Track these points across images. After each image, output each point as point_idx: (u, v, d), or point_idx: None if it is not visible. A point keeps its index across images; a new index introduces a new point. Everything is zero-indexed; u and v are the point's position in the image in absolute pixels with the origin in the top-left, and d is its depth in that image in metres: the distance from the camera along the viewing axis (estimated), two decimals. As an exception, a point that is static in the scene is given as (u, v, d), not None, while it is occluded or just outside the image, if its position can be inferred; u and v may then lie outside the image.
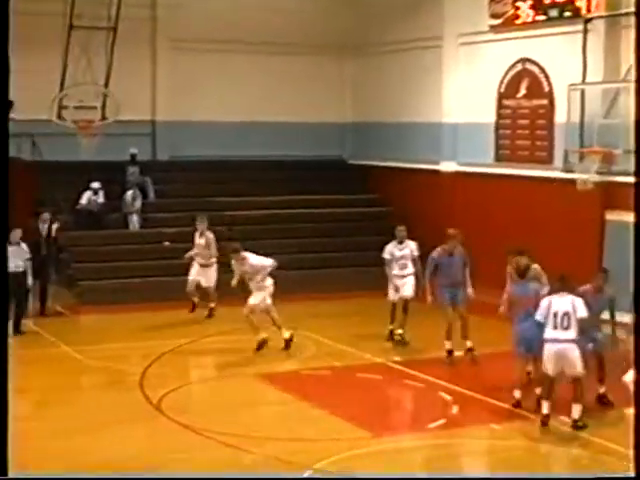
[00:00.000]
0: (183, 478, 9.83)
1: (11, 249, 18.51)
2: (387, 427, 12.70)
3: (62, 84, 24.69)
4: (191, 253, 20.14)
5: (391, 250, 17.40)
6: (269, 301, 16.75)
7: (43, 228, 20.74)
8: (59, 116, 24.43)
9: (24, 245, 18.97)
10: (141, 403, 13.74)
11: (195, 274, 19.96)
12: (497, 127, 23.21)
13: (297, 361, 16.07)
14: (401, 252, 17.31)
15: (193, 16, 26.12)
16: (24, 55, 24.94)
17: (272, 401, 14.01)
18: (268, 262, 16.88)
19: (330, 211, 25.59)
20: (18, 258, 18.60)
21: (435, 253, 16.30)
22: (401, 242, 17.41)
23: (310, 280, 21.09)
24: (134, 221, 24.19)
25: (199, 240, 20.13)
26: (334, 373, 15.56)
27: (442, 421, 12.93)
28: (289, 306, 18.58)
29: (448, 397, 13.95)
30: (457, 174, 24.31)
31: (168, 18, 26.49)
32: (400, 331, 17.17)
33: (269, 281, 16.86)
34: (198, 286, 19.95)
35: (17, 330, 18.45)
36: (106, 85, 25.05)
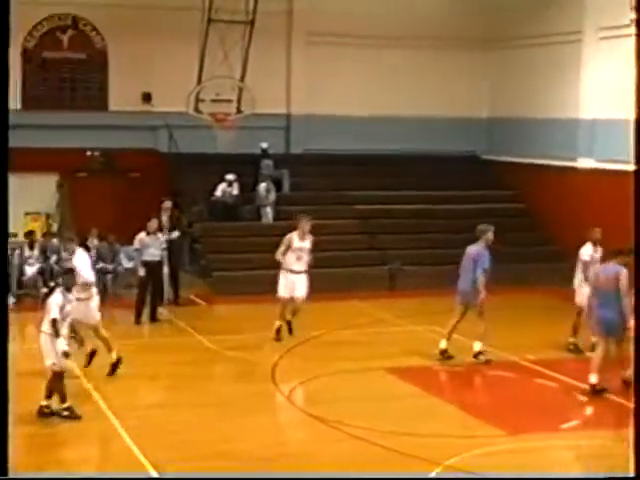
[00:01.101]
0: (187, 478, 9.78)
1: (148, 239, 18.90)
2: (519, 426, 12.45)
3: (199, 77, 25.07)
4: (284, 258, 17.35)
5: (591, 254, 16.28)
6: None
7: (164, 217, 21.01)
8: (196, 109, 24.83)
9: (160, 235, 19.32)
10: (272, 394, 13.82)
11: (288, 286, 17.29)
12: (638, 124, 22.50)
13: (428, 356, 15.94)
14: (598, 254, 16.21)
15: (329, 10, 26.16)
16: (163, 49, 25.51)
17: (402, 395, 13.89)
18: None
19: (463, 207, 25.30)
20: (154, 248, 18.97)
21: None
22: (595, 244, 16.32)
23: (443, 276, 20.89)
24: (267, 213, 24.37)
25: (300, 243, 17.20)
26: (466, 369, 15.40)
27: (575, 422, 12.68)
28: (424, 300, 18.48)
29: (582, 398, 13.67)
30: (595, 171, 23.76)
31: (304, 12, 26.61)
32: (572, 339, 16.46)
33: None
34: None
35: (153, 318, 18.81)
36: (242, 78, 25.34)
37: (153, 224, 19.12)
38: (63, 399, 11.88)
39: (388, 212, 25.09)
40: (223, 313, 20.72)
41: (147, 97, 25.97)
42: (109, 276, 21.45)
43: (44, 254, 21.28)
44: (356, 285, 21.80)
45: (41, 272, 20.92)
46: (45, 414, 11.90)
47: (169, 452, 10.72)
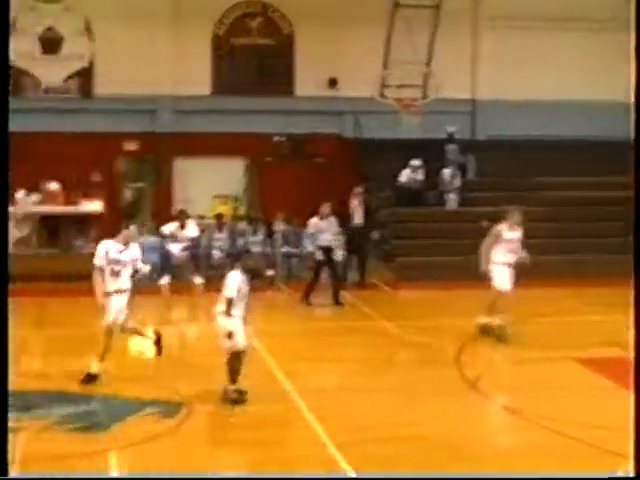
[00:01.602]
0: (192, 478, 9.59)
1: (321, 223, 19.03)
2: None
3: (385, 62, 25.03)
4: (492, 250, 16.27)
5: None
6: None
7: (355, 202, 21.06)
8: (382, 94, 24.80)
9: (333, 219, 19.38)
10: (456, 380, 13.62)
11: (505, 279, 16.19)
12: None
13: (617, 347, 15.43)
14: None
15: (515, -7, 25.76)
16: (349, 34, 25.60)
17: (591, 386, 13.50)
18: None
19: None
20: (328, 232, 19.11)
21: None
22: None
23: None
24: (452, 199, 24.15)
25: (510, 234, 16.32)
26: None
27: None
28: (614, 290, 17.86)
29: None
30: None
31: (491, -5, 26.26)
32: None
33: None
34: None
35: (337, 302, 18.91)
36: (428, 63, 25.16)
37: (325, 209, 19.26)
38: (234, 380, 11.88)
39: (577, 199, 24.44)
40: (406, 298, 20.64)
41: (333, 82, 26.11)
42: (294, 259, 21.68)
43: (232, 237, 21.67)
44: (542, 273, 21.34)
45: (229, 254, 21.31)
46: (232, 400, 11.96)
47: (354, 435, 10.68)
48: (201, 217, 23.80)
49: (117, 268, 12.52)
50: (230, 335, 11.65)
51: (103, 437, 10.61)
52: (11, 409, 11.43)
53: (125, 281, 12.75)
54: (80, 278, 20.19)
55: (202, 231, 21.64)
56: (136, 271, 13.04)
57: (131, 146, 25.84)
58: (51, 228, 21.37)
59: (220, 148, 24.96)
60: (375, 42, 25.10)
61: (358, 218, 20.90)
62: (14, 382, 12.61)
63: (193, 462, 9.91)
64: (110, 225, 22.83)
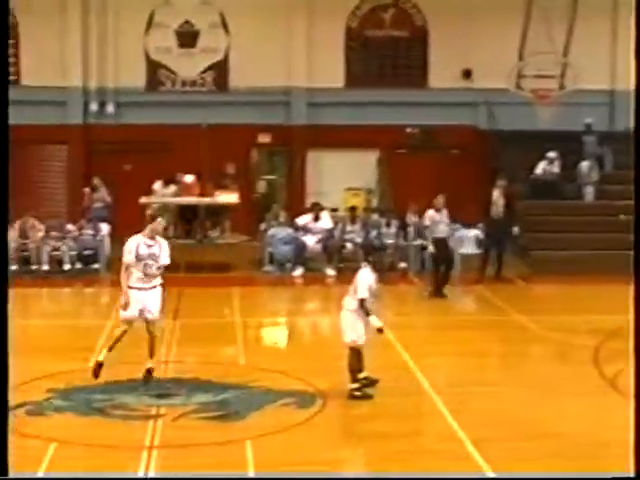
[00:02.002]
0: (186, 478, 9.34)
1: (437, 216, 18.91)
2: None
3: (521, 53, 24.68)
4: None
5: None
6: None
7: (495, 193, 20.82)
8: (517, 85, 24.45)
9: (444, 212, 19.19)
10: (593, 378, 13.33)
11: None
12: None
13: None
14: None
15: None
16: (483, 25, 25.29)
17: None
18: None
19: None
20: (444, 224, 18.97)
21: None
22: None
23: None
24: (589, 192, 23.66)
25: None
26: None
27: None
28: None
29: None
30: None
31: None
32: None
33: None
34: None
35: (440, 293, 18.67)
36: (565, 54, 24.68)
37: (439, 200, 19.11)
38: (354, 379, 11.81)
39: None
40: (541, 293, 20.29)
41: (467, 74, 25.86)
42: (427, 252, 21.54)
43: (365, 229, 21.65)
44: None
45: (362, 246, 21.30)
46: (367, 386, 11.96)
47: (490, 431, 10.56)
48: (334, 210, 23.89)
49: (149, 263, 12.27)
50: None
51: (239, 426, 10.72)
52: (149, 396, 11.74)
53: (156, 276, 12.41)
54: (214, 269, 20.55)
55: (335, 223, 21.75)
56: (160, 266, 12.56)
57: (265, 138, 26.06)
58: (187, 219, 21.71)
59: (353, 140, 24.98)
60: (510, 32, 24.75)
61: (498, 211, 20.64)
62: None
63: (327, 454, 9.93)
64: (244, 217, 23.15)
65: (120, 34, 25.16)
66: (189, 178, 22.20)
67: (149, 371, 12.27)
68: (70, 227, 21.00)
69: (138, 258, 12.07)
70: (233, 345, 14.67)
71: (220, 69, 25.87)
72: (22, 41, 24.88)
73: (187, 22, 25.59)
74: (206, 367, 13.12)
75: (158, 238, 12.32)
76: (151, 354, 12.35)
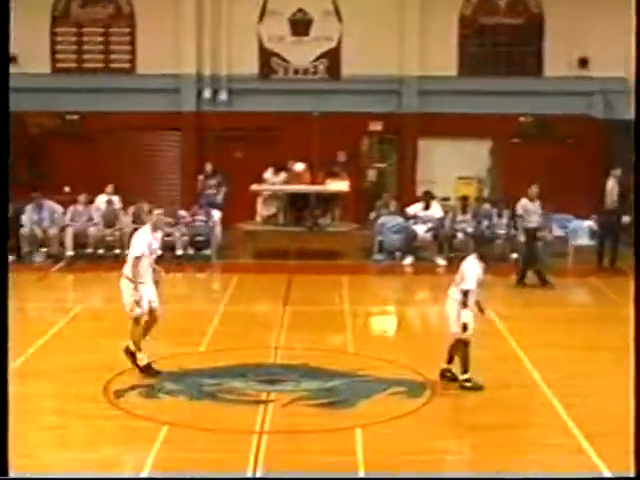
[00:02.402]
0: (186, 478, 9.07)
1: (531, 205, 18.64)
2: None
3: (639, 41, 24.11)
4: None
5: None
6: None
7: (610, 183, 20.46)
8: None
9: (537, 203, 18.91)
10: None
11: None
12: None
13: None
14: None
15: None
16: (600, 12, 24.76)
17: None
18: None
19: None
20: (536, 214, 18.72)
21: None
22: None
23: None
24: None
25: None
26: None
27: None
28: None
29: None
30: None
31: None
32: None
33: None
34: None
35: (521, 282, 18.45)
36: (686, 41, 24.04)
37: (533, 190, 18.86)
38: (465, 369, 11.70)
39: None
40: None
41: (583, 62, 25.39)
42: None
43: (476, 219, 21.45)
44: None
45: (473, 236, 21.10)
46: (446, 377, 11.90)
47: (605, 425, 10.35)
48: (445, 199, 23.73)
49: (153, 256, 12.32)
50: (465, 327, 11.55)
51: (349, 414, 10.72)
52: (259, 382, 11.83)
53: (155, 269, 12.34)
54: (324, 256, 20.59)
55: (445, 212, 21.60)
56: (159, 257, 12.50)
57: (376, 126, 25.99)
58: (298, 207, 21.79)
59: (465, 129, 24.76)
60: (628, 19, 24.17)
61: (612, 201, 20.24)
62: (257, 355, 13.04)
63: (435, 443, 9.88)
64: (354, 205, 23.14)
65: (233, 22, 25.33)
66: (299, 166, 22.30)
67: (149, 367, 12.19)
68: (183, 213, 21.28)
69: (149, 251, 12.10)
70: (342, 333, 14.68)
71: (332, 57, 25.86)
72: (138, 30, 25.26)
73: (300, 10, 25.65)
74: (315, 354, 13.15)
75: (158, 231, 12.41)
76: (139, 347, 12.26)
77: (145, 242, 12.07)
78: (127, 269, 12.15)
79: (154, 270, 12.33)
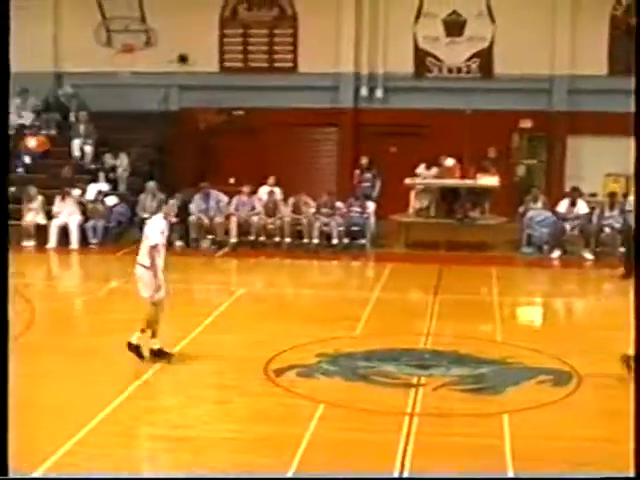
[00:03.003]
0: (187, 478, 8.55)
1: None
2: None
3: None
4: None
5: None
6: None
7: None
8: None
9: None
10: None
11: None
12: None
13: None
14: None
15: None
16: None
17: None
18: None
19: None
20: None
21: None
22: None
23: None
24: None
25: None
26: None
27: None
28: None
29: None
30: None
31: None
32: None
33: None
34: None
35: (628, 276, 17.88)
36: None
37: None
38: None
39: None
40: None
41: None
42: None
43: (623, 215, 20.89)
44: None
45: (620, 231, 20.55)
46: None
47: None
48: (592, 195, 23.22)
49: (164, 243, 12.01)
50: None
51: (497, 400, 10.58)
52: (410, 367, 11.79)
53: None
54: (473, 248, 20.38)
55: (592, 208, 21.12)
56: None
57: (526, 123, 25.57)
58: (449, 200, 21.66)
59: (613, 127, 24.06)
60: None
61: None
62: (409, 341, 13.00)
63: (582, 431, 9.65)
64: (503, 199, 22.83)
65: (390, 24, 25.31)
66: (450, 162, 22.17)
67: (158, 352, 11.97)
68: (339, 204, 21.37)
69: (163, 239, 11.89)
70: (490, 322, 14.50)
71: (485, 57, 25.56)
72: (300, 32, 25.48)
73: (454, 12, 25.44)
74: (464, 341, 13.02)
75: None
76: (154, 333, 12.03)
77: (159, 230, 11.89)
78: (143, 258, 11.89)
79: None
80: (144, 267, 11.90)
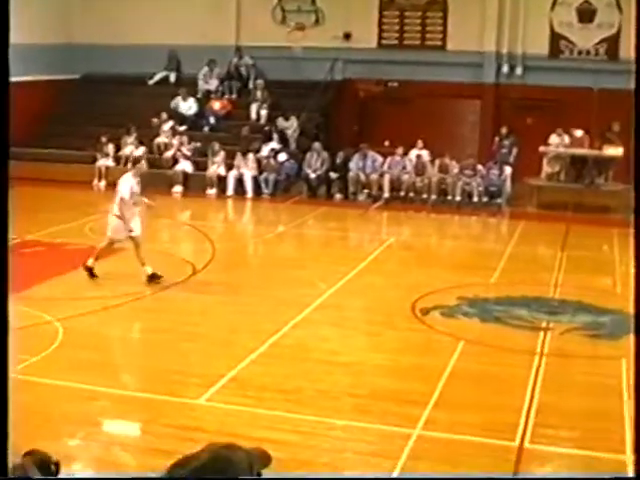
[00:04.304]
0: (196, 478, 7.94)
1: None
2: None
3: None
4: None
5: None
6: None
7: None
8: None
9: None
10: None
11: None
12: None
13: None
14: None
15: None
16: None
17: None
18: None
19: None
20: None
21: None
22: None
23: None
24: None
25: None
26: None
27: None
28: None
29: None
30: None
31: None
32: None
33: None
34: None
35: None
36: None
37: None
38: None
39: None
40: None
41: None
42: None
43: None
44: None
45: None
46: None
47: None
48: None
49: (136, 197, 12.55)
50: None
51: (616, 344, 10.35)
52: (539, 312, 11.63)
53: (137, 205, 12.65)
54: (598, 211, 19.84)
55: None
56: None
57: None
58: (577, 167, 21.11)
59: None
60: None
61: None
62: (538, 290, 12.78)
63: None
64: (626, 168, 22.06)
65: (529, 9, 24.64)
66: (579, 133, 21.62)
67: (153, 275, 12.43)
68: (480, 167, 21.08)
69: (132, 194, 12.44)
70: (611, 276, 14.12)
71: (612, 42, 24.59)
72: (449, 14, 25.05)
73: (587, 1, 24.57)
74: (588, 292, 12.75)
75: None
76: (143, 263, 12.49)
77: (128, 186, 12.53)
78: (115, 208, 12.58)
79: (135, 206, 12.66)
80: (116, 216, 12.62)
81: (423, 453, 7.29)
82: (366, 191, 21.18)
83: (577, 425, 7.94)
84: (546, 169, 21.26)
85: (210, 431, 7.42)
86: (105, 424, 7.97)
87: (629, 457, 7.22)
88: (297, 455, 6.95)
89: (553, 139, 21.90)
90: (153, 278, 12.48)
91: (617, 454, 7.30)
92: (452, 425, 7.79)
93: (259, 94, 24.13)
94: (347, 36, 25.09)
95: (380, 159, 21.39)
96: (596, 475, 7.03)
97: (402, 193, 21.03)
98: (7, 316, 3.66)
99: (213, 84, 24.90)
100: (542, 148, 21.27)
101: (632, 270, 5.36)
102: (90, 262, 12.65)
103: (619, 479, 6.52)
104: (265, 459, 2.59)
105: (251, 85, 24.75)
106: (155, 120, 23.16)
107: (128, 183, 12.62)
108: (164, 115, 23.22)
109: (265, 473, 2.64)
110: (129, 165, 20.56)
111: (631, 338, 10.58)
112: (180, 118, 23.60)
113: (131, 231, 12.49)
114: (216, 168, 21.77)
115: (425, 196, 20.83)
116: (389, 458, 7.12)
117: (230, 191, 21.46)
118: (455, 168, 20.99)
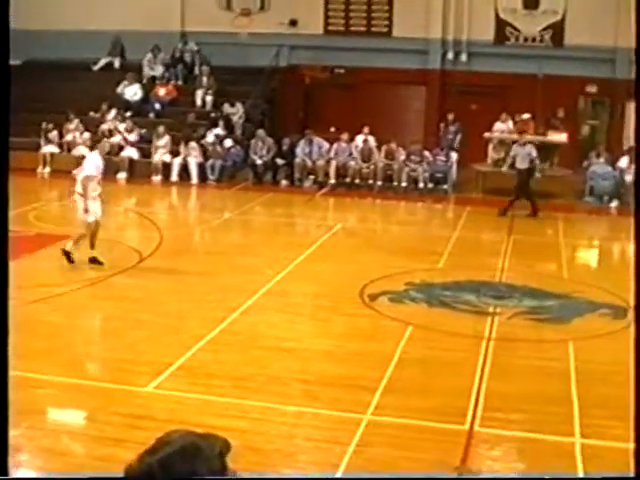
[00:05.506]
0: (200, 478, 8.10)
1: None
2: None
3: None
4: None
5: None
6: None
7: None
8: None
9: None
10: None
11: None
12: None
13: None
14: None
15: None
16: None
17: None
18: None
19: None
20: None
21: None
22: None
23: None
24: None
25: None
26: None
27: None
28: None
29: None
30: None
31: None
32: None
33: None
34: None
35: None
36: None
37: None
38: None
39: None
40: None
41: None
42: None
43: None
44: None
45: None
46: None
47: None
48: (648, 153, 22.55)
49: (99, 177, 12.36)
50: None
51: (563, 328, 10.46)
52: (487, 297, 11.69)
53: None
54: (542, 196, 20.00)
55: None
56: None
57: (592, 89, 24.87)
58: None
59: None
60: None
61: None
62: (485, 275, 12.85)
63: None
64: (569, 154, 22.34)
65: (474, -4, 24.80)
66: (525, 116, 21.81)
67: (94, 259, 12.33)
68: (426, 153, 21.14)
69: (96, 172, 12.26)
70: (557, 261, 14.29)
71: (557, 28, 24.83)
72: (395, 1, 25.08)
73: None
74: (534, 277, 12.87)
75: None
76: (92, 245, 12.39)
77: (94, 164, 12.31)
78: (78, 187, 12.29)
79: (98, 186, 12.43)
80: (79, 194, 12.31)
81: (374, 438, 7.26)
82: (312, 177, 21.14)
83: (526, 408, 7.97)
84: (492, 155, 21.42)
85: (159, 419, 7.30)
86: (52, 412, 7.81)
87: (578, 439, 7.29)
88: (248, 442, 6.87)
89: (498, 125, 22.05)
90: (94, 262, 12.32)
91: (565, 436, 7.37)
92: (402, 410, 7.77)
93: (204, 80, 23.91)
94: (293, 22, 24.97)
95: (326, 145, 21.35)
96: (596, 475, 7.05)
97: (348, 179, 21.04)
98: (7, 316, 3.65)
99: (158, 70, 24.60)
100: (487, 134, 21.43)
101: (632, 270, 5.39)
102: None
103: (619, 479, 6.58)
104: (228, 446, 2.51)
105: (196, 71, 24.52)
106: (93, 114, 22.78)
107: (93, 160, 12.39)
108: (104, 106, 22.84)
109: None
110: (73, 152, 20.22)
111: (631, 332, 10.75)
112: (125, 104, 23.27)
113: (87, 212, 12.21)
114: (161, 154, 21.53)
115: (371, 182, 20.86)
116: (340, 444, 7.08)
117: (175, 177, 21.24)
118: (402, 154, 21.03)
